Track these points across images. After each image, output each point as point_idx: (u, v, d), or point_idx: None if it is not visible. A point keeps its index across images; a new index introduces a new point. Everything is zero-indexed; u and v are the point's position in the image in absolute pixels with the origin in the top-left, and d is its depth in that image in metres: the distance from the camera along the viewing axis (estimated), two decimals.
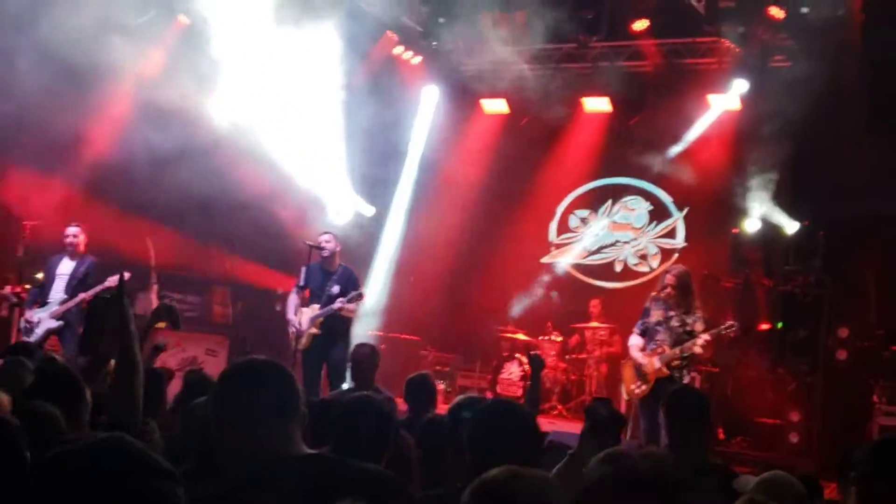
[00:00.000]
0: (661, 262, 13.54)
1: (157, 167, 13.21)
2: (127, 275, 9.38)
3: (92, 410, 4.23)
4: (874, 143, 10.98)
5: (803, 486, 3.67)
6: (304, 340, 9.56)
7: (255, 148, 12.10)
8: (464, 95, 14.27)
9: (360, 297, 9.60)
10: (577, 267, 14.33)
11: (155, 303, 11.09)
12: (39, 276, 10.56)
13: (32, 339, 9.37)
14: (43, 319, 9.48)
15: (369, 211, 13.61)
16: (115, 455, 1.63)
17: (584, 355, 12.44)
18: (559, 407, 12.03)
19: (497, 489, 2.05)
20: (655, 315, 8.30)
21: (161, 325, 5.20)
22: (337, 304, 9.41)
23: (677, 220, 13.80)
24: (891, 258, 10.80)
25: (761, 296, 11.83)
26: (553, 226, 14.57)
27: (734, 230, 12.08)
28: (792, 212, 11.84)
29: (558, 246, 14.52)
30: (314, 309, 9.59)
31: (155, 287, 11.34)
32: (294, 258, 10.78)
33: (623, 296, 12.93)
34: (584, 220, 14.43)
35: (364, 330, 12.53)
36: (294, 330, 9.54)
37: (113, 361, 4.88)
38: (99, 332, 3.42)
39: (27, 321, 9.59)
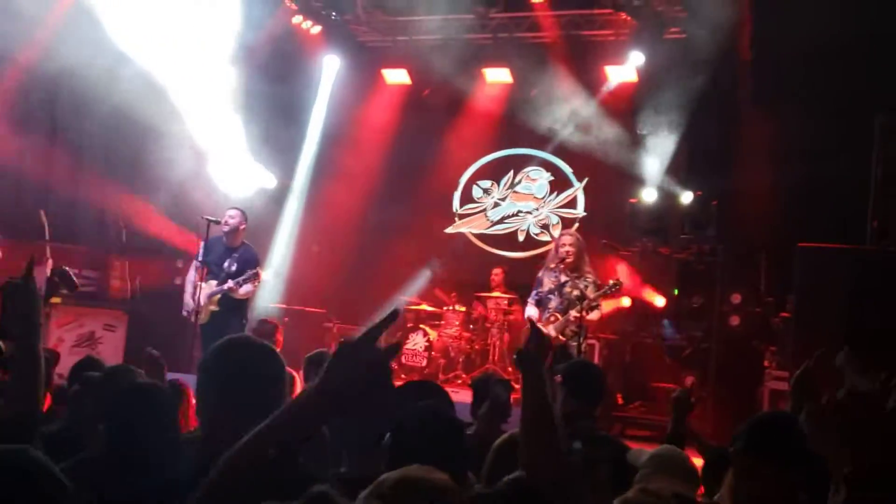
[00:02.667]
0: (562, 231, 13.71)
1: (52, 138, 12.92)
2: (49, 261, 9.16)
3: None
4: (760, 115, 11.31)
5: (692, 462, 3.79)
6: (202, 316, 9.50)
7: (152, 119, 11.87)
8: (365, 65, 14.21)
9: (256, 276, 9.51)
10: (480, 237, 14.44)
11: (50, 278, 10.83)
12: None
13: None
14: None
15: (271, 182, 13.48)
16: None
17: (487, 325, 12.57)
18: (463, 376, 12.14)
19: (393, 498, 2.02)
20: (548, 283, 8.47)
21: (57, 300, 5.12)
22: (229, 284, 9.36)
23: (577, 190, 14.00)
24: (780, 227, 11.15)
25: (658, 264, 12.10)
26: (456, 196, 14.64)
27: (632, 200, 12.29)
28: (687, 182, 12.12)
29: (461, 216, 14.60)
30: (212, 285, 9.53)
31: (49, 262, 11.06)
32: (196, 232, 10.65)
33: (526, 265, 13.07)
34: (486, 191, 14.53)
35: (266, 303, 12.46)
36: (189, 309, 9.49)
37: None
38: (9, 317, 3.33)
39: None
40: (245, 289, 9.48)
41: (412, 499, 1.99)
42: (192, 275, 9.69)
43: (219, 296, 9.48)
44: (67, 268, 4.16)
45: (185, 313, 9.58)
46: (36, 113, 12.58)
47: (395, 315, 1.90)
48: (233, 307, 9.53)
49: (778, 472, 2.84)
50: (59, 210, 11.89)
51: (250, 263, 9.59)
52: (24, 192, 12.40)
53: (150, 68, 11.63)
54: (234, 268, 9.48)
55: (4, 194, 12.11)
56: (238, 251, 9.63)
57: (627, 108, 12.77)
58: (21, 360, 3.18)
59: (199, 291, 9.44)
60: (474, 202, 14.57)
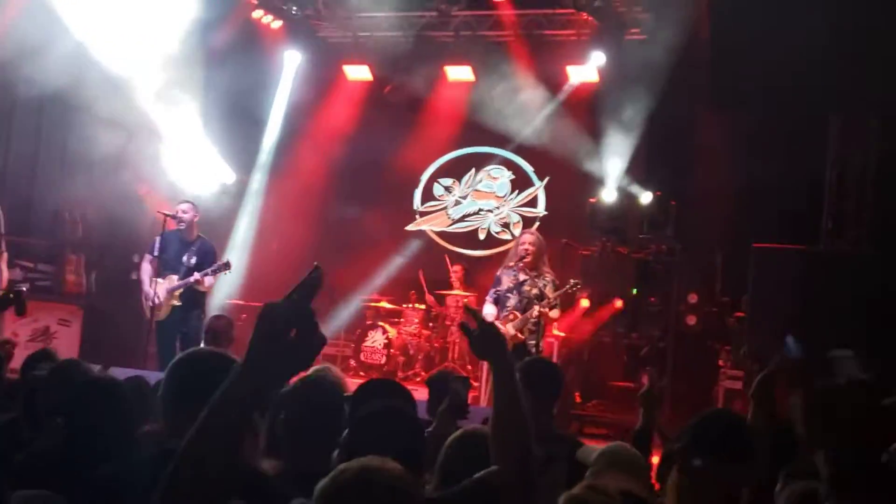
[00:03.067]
0: (523, 230, 13.75)
1: (8, 131, 12.74)
2: (4, 254, 9.03)
3: None
4: (717, 119, 11.43)
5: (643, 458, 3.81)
6: (161, 312, 9.41)
7: (110, 112, 11.75)
8: (326, 61, 14.16)
9: (226, 266, 9.47)
10: (441, 234, 14.45)
11: (5, 273, 10.69)
12: None
13: None
14: None
15: (230, 177, 13.40)
16: None
17: (447, 322, 12.57)
18: (422, 374, 12.13)
19: (352, 488, 2.03)
20: (506, 282, 8.49)
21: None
22: (196, 276, 9.28)
23: (538, 189, 14.05)
24: (737, 227, 11.26)
25: (617, 263, 12.17)
26: (417, 194, 14.64)
27: (592, 199, 12.36)
28: (646, 182, 12.20)
29: (423, 214, 14.60)
30: (172, 280, 9.44)
31: (5, 255, 10.91)
32: (150, 227, 10.57)
33: (486, 264, 13.09)
34: (448, 189, 14.54)
35: (222, 298, 12.38)
36: (150, 302, 9.38)
37: None
38: None
39: None
40: (209, 280, 9.43)
41: (372, 486, 2.01)
42: (146, 269, 9.59)
43: (180, 290, 9.40)
44: (25, 289, 4.12)
45: (147, 302, 9.46)
46: None
47: (317, 275, 1.89)
48: (193, 302, 9.47)
49: (720, 469, 2.87)
50: (15, 204, 11.72)
51: (209, 255, 9.55)
52: None
53: (109, 61, 11.50)
54: (193, 261, 9.43)
55: None
56: (195, 244, 9.57)
57: (588, 108, 12.82)
58: None
59: (156, 286, 9.36)
60: (435, 200, 14.58)
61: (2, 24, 11.03)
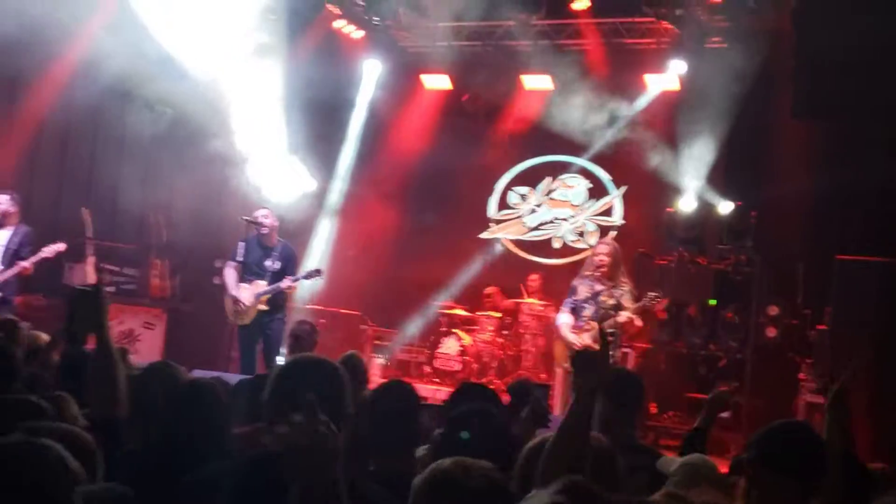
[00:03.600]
0: (599, 239, 13.70)
1: (96, 136, 13.14)
2: (62, 246, 9.32)
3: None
4: (798, 127, 11.25)
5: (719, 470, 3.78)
6: (247, 317, 9.53)
7: (195, 119, 12.03)
8: (405, 70, 14.28)
9: (317, 273, 9.64)
10: (516, 243, 14.46)
11: (92, 275, 11.00)
12: None
13: None
14: None
15: (311, 185, 13.58)
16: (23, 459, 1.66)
17: (521, 330, 12.57)
18: (496, 381, 12.15)
19: (451, 478, 2.12)
20: (583, 292, 8.46)
21: None
22: (287, 282, 9.42)
23: (615, 198, 13.98)
24: (819, 238, 11.08)
25: (694, 273, 12.05)
26: (492, 202, 14.67)
27: (669, 209, 12.26)
28: (726, 192, 12.07)
29: (497, 222, 14.63)
30: (258, 285, 9.56)
31: (92, 259, 11.24)
32: (233, 233, 10.76)
33: (561, 272, 13.06)
34: (523, 197, 14.54)
35: (302, 304, 12.56)
36: (238, 306, 9.51)
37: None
38: (81, 323, 3.46)
39: None
40: (294, 285, 9.62)
41: (467, 480, 2.09)
42: (231, 275, 9.75)
43: (268, 295, 9.53)
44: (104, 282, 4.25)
45: (236, 306, 9.61)
46: (80, 113, 12.79)
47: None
48: (276, 306, 9.61)
49: (788, 481, 2.82)
50: (102, 208, 12.06)
51: (291, 260, 9.72)
52: (67, 190, 12.62)
53: (195, 68, 11.78)
54: (277, 265, 9.57)
55: (48, 193, 12.31)
56: (276, 249, 9.71)
57: (667, 117, 12.73)
58: (97, 365, 3.25)
59: (241, 291, 9.52)
60: (510, 208, 14.60)
61: (90, 29, 11.39)
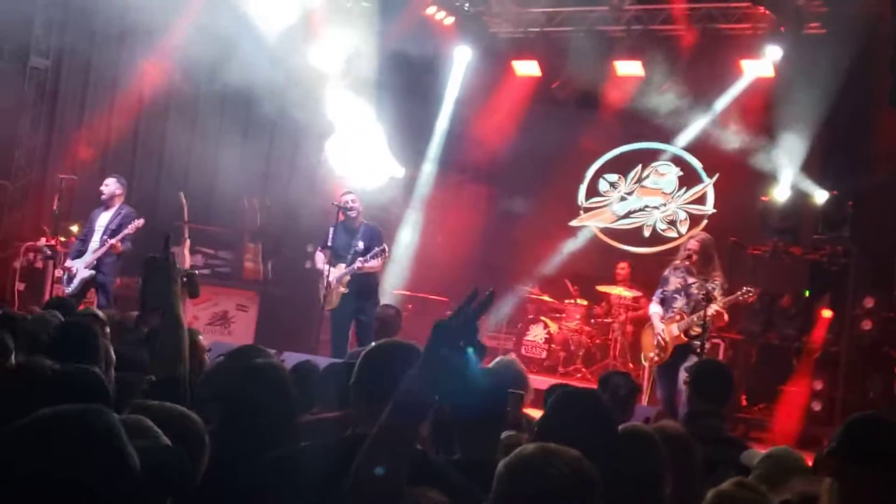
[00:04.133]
0: (690, 227, 13.54)
1: (194, 122, 13.48)
2: (141, 222, 9.53)
3: (135, 368, 4.40)
4: None
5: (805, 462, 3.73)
6: (332, 299, 9.70)
7: (287, 106, 12.23)
8: (496, 57, 14.25)
9: (382, 252, 9.65)
10: (605, 231, 14.36)
11: (188, 258, 11.30)
12: (74, 228, 10.78)
13: (70, 288, 9.58)
14: (79, 269, 9.62)
15: (400, 171, 13.69)
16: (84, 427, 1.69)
17: (609, 319, 12.50)
18: (583, 370, 12.13)
19: (533, 464, 2.14)
20: (674, 283, 8.37)
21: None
22: (357, 263, 9.52)
23: (707, 186, 13.78)
24: None
25: (789, 264, 11.82)
26: (582, 189, 14.59)
27: (763, 198, 12.04)
28: (822, 180, 11.80)
29: (587, 209, 14.55)
30: (340, 268, 9.72)
31: (188, 242, 11.53)
32: (324, 217, 10.93)
33: (651, 261, 12.94)
34: (613, 185, 14.43)
35: (390, 289, 12.68)
36: (326, 290, 9.67)
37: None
38: (152, 289, 3.55)
39: (66, 269, 9.77)
40: (371, 263, 9.62)
41: (551, 464, 2.10)
42: (320, 259, 9.90)
43: (348, 277, 9.65)
44: (196, 273, 4.34)
45: (322, 288, 9.77)
46: (179, 101, 13.16)
47: (489, 299, 2.03)
48: (364, 290, 9.69)
49: (872, 473, 2.76)
50: (198, 193, 12.37)
51: (375, 238, 9.75)
52: (166, 175, 12.97)
53: (287, 56, 11.97)
54: (360, 245, 9.66)
55: (147, 177, 12.67)
56: (360, 230, 9.80)
57: (762, 104, 12.47)
58: (165, 329, 3.37)
59: (328, 276, 9.67)
60: (600, 196, 14.50)
61: (188, 20, 11.67)
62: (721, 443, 4.54)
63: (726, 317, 8.45)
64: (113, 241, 9.49)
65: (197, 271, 5.33)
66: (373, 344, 2.91)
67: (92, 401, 2.01)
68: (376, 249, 9.57)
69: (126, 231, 9.53)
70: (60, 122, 12.10)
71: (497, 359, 4.97)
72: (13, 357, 4.35)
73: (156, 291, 3.52)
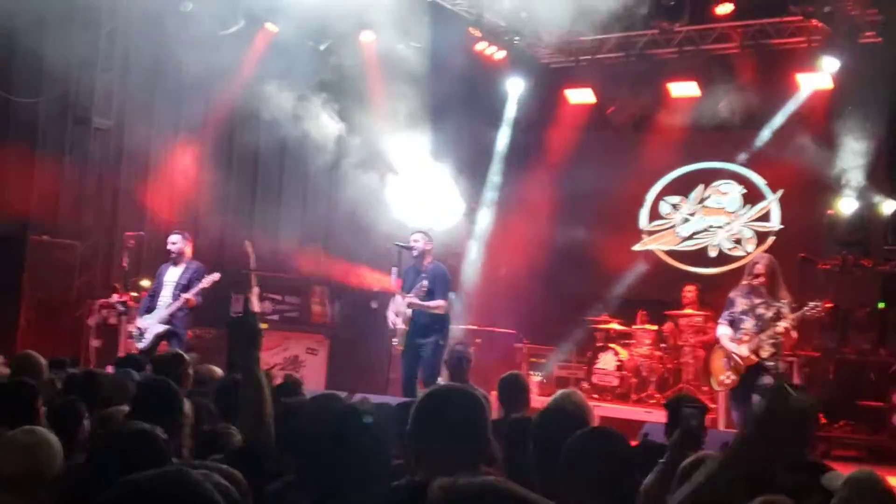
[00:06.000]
0: (757, 245, 13.37)
1: (255, 173, 13.74)
2: (217, 276, 9.65)
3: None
4: None
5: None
6: (400, 339, 9.69)
7: (347, 154, 12.42)
8: (548, 86, 14.31)
9: (420, 288, 9.52)
10: (670, 253, 14.24)
11: (258, 305, 11.46)
12: (145, 283, 10.98)
13: (142, 345, 9.72)
14: (151, 325, 9.76)
15: (460, 206, 13.73)
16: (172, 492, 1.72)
17: (679, 343, 12.34)
18: (656, 396, 11.98)
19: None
20: (741, 304, 8.24)
21: (264, 325, 5.40)
22: (409, 300, 9.49)
23: (771, 202, 13.59)
24: None
25: (860, 277, 11.60)
26: (643, 213, 14.50)
27: (830, 211, 11.85)
28: (889, 190, 11.60)
29: (650, 233, 14.45)
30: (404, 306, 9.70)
31: (256, 290, 11.67)
32: (386, 258, 10.98)
33: (719, 281, 12.76)
34: (675, 206, 14.32)
35: (458, 324, 12.68)
36: (390, 329, 9.69)
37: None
38: (237, 352, 3.61)
39: (137, 328, 9.93)
40: (430, 304, 9.52)
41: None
42: (395, 300, 9.88)
43: (409, 314, 9.64)
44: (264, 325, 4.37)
45: (389, 330, 9.80)
46: (240, 152, 13.44)
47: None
48: (428, 328, 9.65)
49: None
50: (262, 241, 12.55)
51: (438, 279, 9.65)
52: (230, 224, 13.19)
53: (341, 101, 12.19)
54: (424, 284, 9.60)
55: (212, 227, 12.89)
56: (427, 270, 9.75)
57: (822, 116, 12.34)
58: (244, 392, 3.39)
59: (399, 316, 9.66)
60: (662, 218, 14.39)
61: (245, 72, 11.95)
62: (803, 467, 4.44)
63: (795, 334, 8.29)
64: (188, 295, 9.65)
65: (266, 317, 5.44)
66: (427, 391, 2.90)
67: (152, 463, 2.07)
68: (417, 285, 9.52)
69: (201, 285, 9.68)
70: (125, 180, 12.38)
71: (558, 392, 4.94)
72: (84, 423, 4.43)
73: (238, 351, 3.56)
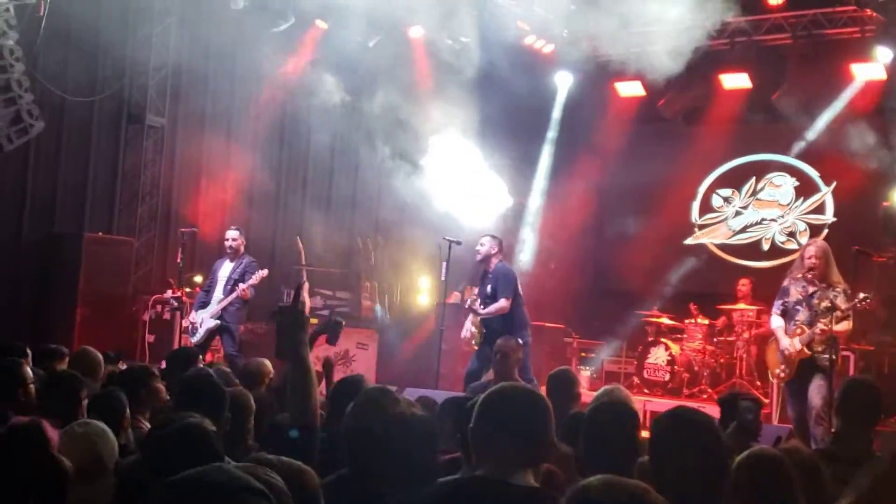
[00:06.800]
0: (811, 238, 13.19)
1: (306, 169, 13.84)
2: (265, 272, 9.71)
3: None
4: None
5: None
6: (474, 340, 9.56)
7: (396, 148, 12.46)
8: (598, 80, 14.21)
9: (474, 301, 9.42)
10: (722, 247, 14.10)
11: (307, 301, 11.54)
12: (198, 279, 11.13)
13: (195, 339, 9.86)
14: (204, 320, 9.88)
15: (508, 201, 13.70)
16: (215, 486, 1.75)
17: (732, 337, 12.22)
18: (708, 391, 11.88)
19: (595, 496, 2.07)
20: (795, 294, 8.08)
21: (320, 337, 5.40)
22: (475, 305, 9.40)
23: (825, 194, 13.42)
24: None
25: None
26: (695, 206, 14.38)
27: (884, 203, 11.66)
28: None
29: (701, 227, 14.32)
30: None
31: (307, 285, 11.74)
32: (436, 252, 10.98)
33: (772, 275, 12.61)
34: (727, 200, 14.18)
35: None
36: (468, 334, 9.62)
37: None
38: (286, 337, 3.62)
39: (191, 322, 10.06)
40: (489, 310, 9.34)
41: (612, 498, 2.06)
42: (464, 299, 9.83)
43: (478, 320, 9.56)
44: (343, 322, 4.38)
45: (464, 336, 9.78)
46: (291, 149, 13.56)
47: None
48: (498, 332, 9.10)
49: None
50: (310, 237, 12.67)
51: (499, 280, 9.43)
52: (281, 221, 13.32)
53: (390, 97, 12.23)
54: (488, 289, 9.52)
55: (265, 224, 13.01)
56: (491, 273, 9.61)
57: (876, 107, 12.15)
58: (294, 378, 3.42)
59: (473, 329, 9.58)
60: (714, 211, 14.26)
61: (295, 66, 12.04)
62: (863, 461, 4.39)
63: (849, 324, 8.10)
64: (243, 286, 9.74)
65: (342, 320, 5.43)
66: (492, 387, 2.89)
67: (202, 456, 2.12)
68: (501, 302, 9.26)
69: (252, 281, 9.77)
70: (179, 177, 12.54)
71: (602, 388, 4.93)
72: (127, 412, 4.56)
73: (286, 340, 3.58)
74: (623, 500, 2.05)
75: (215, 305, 9.85)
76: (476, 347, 9.52)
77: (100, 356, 5.93)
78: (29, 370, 5.37)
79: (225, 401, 4.16)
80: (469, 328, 9.56)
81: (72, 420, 3.92)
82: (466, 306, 9.52)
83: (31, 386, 4.93)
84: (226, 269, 10.03)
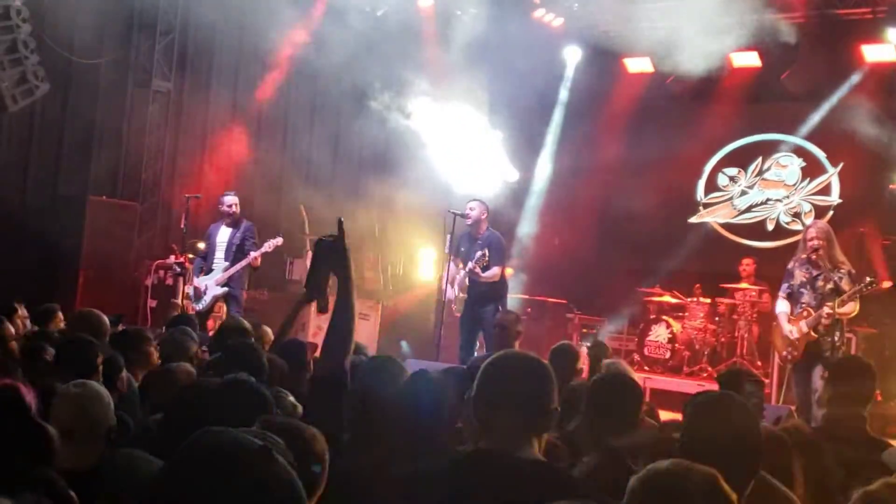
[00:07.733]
0: (816, 219, 13.14)
1: (311, 134, 13.79)
2: (279, 240, 9.70)
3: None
4: None
5: None
6: (457, 306, 9.73)
7: (400, 119, 12.41)
8: (606, 55, 14.12)
9: (482, 257, 9.48)
10: (727, 226, 14.07)
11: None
12: (201, 245, 11.11)
13: (201, 305, 9.86)
14: (209, 287, 9.88)
15: (513, 175, 13.68)
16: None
17: (734, 316, 12.21)
18: (709, 369, 11.89)
19: (669, 481, 2.08)
20: (799, 276, 8.07)
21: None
22: (468, 267, 9.48)
23: (832, 175, 13.36)
24: None
25: None
26: (700, 185, 14.34)
27: (892, 185, 11.62)
28: None
29: (706, 205, 14.28)
30: (461, 274, 9.74)
31: (310, 254, 11.74)
32: (441, 225, 10.96)
33: (776, 255, 12.60)
34: (732, 179, 14.13)
35: (509, 293, 12.66)
36: (446, 299, 9.71)
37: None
38: (321, 274, 3.51)
39: (196, 288, 10.05)
40: (486, 274, 9.45)
41: (688, 482, 2.08)
42: (450, 268, 9.88)
43: (466, 282, 9.66)
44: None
45: (445, 299, 9.84)
46: (296, 114, 13.50)
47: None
48: (482, 297, 9.61)
49: None
50: (316, 205, 12.63)
51: (492, 247, 9.55)
52: (285, 189, 13.29)
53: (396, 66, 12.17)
54: (478, 254, 9.52)
55: (268, 191, 12.97)
56: (482, 238, 9.70)
57: (885, 89, 12.09)
58: (337, 314, 3.35)
59: (454, 283, 9.69)
60: (720, 190, 14.21)
61: (301, 35, 11.97)
62: (863, 443, 4.39)
63: (853, 306, 8.09)
64: (247, 260, 9.75)
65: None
66: (492, 356, 2.85)
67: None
68: (477, 254, 9.48)
69: (265, 249, 9.78)
70: (184, 142, 12.51)
71: (604, 362, 4.93)
72: (124, 373, 4.69)
73: (323, 276, 3.48)
74: (698, 483, 2.05)
75: (220, 273, 9.83)
76: (458, 314, 9.67)
77: (105, 318, 5.93)
78: (10, 327, 5.43)
79: (265, 370, 4.21)
80: (454, 292, 9.64)
81: None
82: (468, 269, 9.51)
83: (13, 343, 5.02)
84: (223, 233, 10.00)
